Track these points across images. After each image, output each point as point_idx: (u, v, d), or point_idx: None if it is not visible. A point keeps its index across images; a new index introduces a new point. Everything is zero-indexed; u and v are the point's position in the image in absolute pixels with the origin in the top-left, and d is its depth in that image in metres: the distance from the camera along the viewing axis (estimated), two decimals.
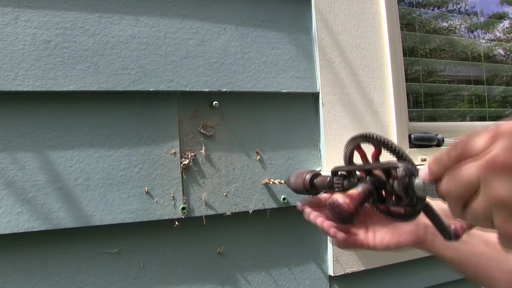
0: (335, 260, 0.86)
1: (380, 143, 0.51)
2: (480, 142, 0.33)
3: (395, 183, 0.48)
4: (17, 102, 0.68)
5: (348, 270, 0.87)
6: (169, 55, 0.77)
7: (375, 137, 0.52)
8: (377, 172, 0.53)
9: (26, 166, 0.67)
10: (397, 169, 0.47)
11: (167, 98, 0.78)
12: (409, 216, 0.52)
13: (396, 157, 0.50)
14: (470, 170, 0.33)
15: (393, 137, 0.95)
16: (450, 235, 0.49)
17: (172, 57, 0.77)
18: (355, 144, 0.57)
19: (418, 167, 0.44)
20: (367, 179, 0.53)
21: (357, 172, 0.58)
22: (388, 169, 0.50)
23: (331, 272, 0.87)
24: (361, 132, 0.55)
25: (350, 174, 0.59)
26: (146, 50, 0.75)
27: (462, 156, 0.35)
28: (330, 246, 0.87)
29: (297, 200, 0.85)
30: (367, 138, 0.54)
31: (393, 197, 0.52)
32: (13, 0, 0.68)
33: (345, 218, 0.50)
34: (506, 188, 0.30)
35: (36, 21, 0.69)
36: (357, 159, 0.60)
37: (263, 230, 0.84)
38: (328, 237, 0.88)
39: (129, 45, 0.74)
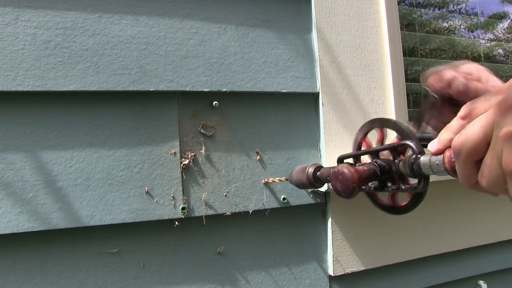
0: (335, 260, 0.86)
1: (387, 124, 0.52)
2: (489, 97, 0.33)
3: (401, 163, 0.48)
4: (17, 102, 0.68)
5: (348, 270, 0.87)
6: (169, 55, 0.77)
7: (381, 120, 0.53)
8: (384, 155, 0.54)
9: (26, 166, 0.67)
10: (406, 147, 0.48)
11: (167, 98, 0.78)
12: (411, 205, 0.53)
13: (403, 137, 0.50)
14: (483, 117, 0.32)
15: (393, 137, 0.95)
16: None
17: (172, 57, 0.77)
18: (364, 131, 0.58)
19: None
20: (373, 160, 0.54)
21: (363, 160, 0.59)
22: (396, 148, 0.50)
23: (331, 272, 0.87)
24: (369, 119, 0.56)
25: (356, 160, 0.59)
26: (146, 50, 0.75)
27: (472, 114, 0.34)
28: (330, 246, 0.87)
29: (297, 200, 0.85)
30: (374, 122, 0.55)
31: (396, 181, 0.52)
32: (13, 0, 0.68)
33: (347, 187, 0.50)
34: None
35: (36, 21, 0.69)
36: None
37: (263, 230, 0.84)
38: (329, 236, 0.88)
39: (129, 45, 0.74)
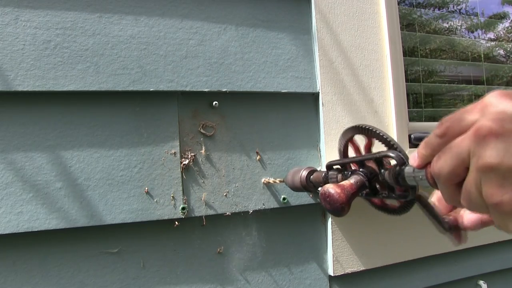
0: (335, 260, 0.86)
1: (372, 133, 0.51)
2: (467, 116, 0.32)
3: (386, 173, 0.48)
4: (17, 102, 0.68)
5: (348, 270, 0.87)
6: (169, 55, 0.77)
7: (366, 128, 0.52)
8: (370, 163, 0.53)
9: (26, 166, 0.67)
10: (388, 158, 0.47)
11: (167, 98, 0.78)
12: (402, 209, 0.52)
13: (387, 147, 0.49)
14: (459, 144, 0.32)
15: (393, 137, 0.95)
16: (446, 225, 0.49)
17: (172, 57, 0.77)
18: (348, 137, 0.58)
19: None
20: (360, 170, 0.53)
21: (352, 166, 0.58)
22: (379, 159, 0.50)
23: (331, 272, 0.87)
24: (353, 124, 0.55)
25: (344, 167, 0.59)
26: (146, 50, 0.75)
27: (449, 133, 0.34)
28: (330, 246, 0.87)
29: (297, 200, 0.85)
30: (359, 129, 0.54)
31: (386, 189, 0.52)
32: (13, 0, 0.68)
33: (336, 208, 0.49)
34: (493, 154, 0.29)
35: (36, 21, 0.69)
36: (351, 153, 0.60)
37: (263, 230, 0.84)
38: (329, 236, 0.88)
39: (129, 45, 0.74)
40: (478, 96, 1.51)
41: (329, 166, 0.61)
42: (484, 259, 1.08)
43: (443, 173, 0.34)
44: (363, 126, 0.53)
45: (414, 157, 0.40)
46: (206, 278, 0.79)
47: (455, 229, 0.47)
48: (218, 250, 0.80)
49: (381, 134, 0.50)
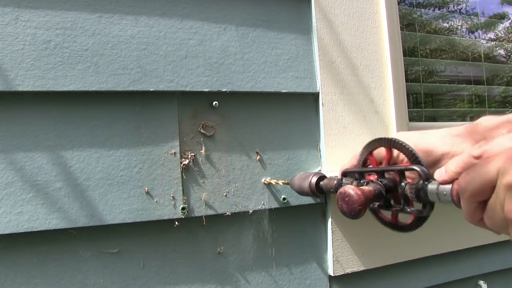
0: (335, 260, 0.86)
1: (398, 146, 0.51)
2: (504, 141, 0.34)
3: (407, 187, 0.48)
4: (17, 102, 0.68)
5: (348, 270, 0.87)
6: (169, 55, 0.77)
7: (393, 140, 0.52)
8: (390, 175, 0.53)
9: (26, 166, 0.67)
10: (412, 172, 0.47)
11: (167, 98, 0.78)
12: (413, 225, 0.52)
13: (411, 161, 0.50)
14: (490, 163, 0.33)
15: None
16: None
17: (172, 57, 0.77)
18: (371, 148, 0.58)
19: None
20: (379, 180, 0.53)
21: (368, 177, 0.58)
22: (402, 171, 0.50)
23: (331, 272, 0.87)
24: (382, 136, 0.56)
25: (360, 177, 0.59)
26: (146, 50, 0.75)
27: (484, 155, 0.35)
28: (330, 246, 0.87)
29: (297, 200, 0.85)
30: (385, 141, 0.54)
31: (401, 203, 0.52)
32: (13, 0, 0.68)
33: (353, 209, 0.49)
34: None
35: (36, 21, 0.69)
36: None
37: (263, 230, 0.84)
38: (329, 236, 0.88)
39: (129, 45, 0.74)
40: (478, 96, 1.51)
41: (345, 173, 0.61)
42: (484, 259, 1.08)
43: (469, 189, 0.35)
44: (391, 139, 0.53)
45: (441, 172, 0.41)
46: (206, 278, 0.79)
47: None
48: (218, 250, 0.80)
49: (407, 147, 0.50)
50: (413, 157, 0.49)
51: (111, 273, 0.73)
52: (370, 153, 0.58)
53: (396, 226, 0.56)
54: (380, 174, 0.54)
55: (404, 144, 0.50)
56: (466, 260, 1.05)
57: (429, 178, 0.45)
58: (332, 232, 0.87)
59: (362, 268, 0.89)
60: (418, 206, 0.50)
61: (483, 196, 0.34)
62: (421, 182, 0.46)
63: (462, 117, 1.45)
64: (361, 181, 0.57)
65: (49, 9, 0.70)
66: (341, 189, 0.51)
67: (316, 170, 0.88)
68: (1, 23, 0.67)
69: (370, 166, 0.60)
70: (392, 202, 0.54)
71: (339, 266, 0.87)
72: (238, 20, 0.83)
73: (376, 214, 0.59)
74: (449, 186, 0.40)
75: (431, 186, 0.44)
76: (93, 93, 0.72)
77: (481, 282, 1.07)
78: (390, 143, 0.53)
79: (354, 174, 0.60)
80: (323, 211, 0.89)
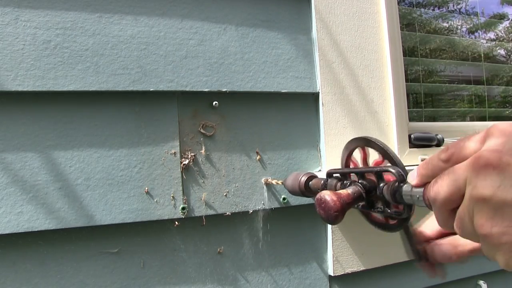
0: (335, 260, 0.86)
1: (375, 146, 0.51)
2: (471, 144, 0.33)
3: (385, 188, 0.48)
4: (17, 102, 0.68)
5: (348, 270, 0.87)
6: (169, 55, 0.77)
7: (371, 140, 0.52)
8: (370, 176, 0.53)
9: (26, 166, 0.67)
10: (389, 173, 0.47)
11: (167, 98, 0.78)
12: (396, 226, 0.52)
13: (389, 162, 0.49)
14: (456, 171, 0.33)
15: (393, 137, 0.95)
16: (416, 255, 0.49)
17: (172, 57, 0.77)
18: (352, 148, 0.57)
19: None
20: (359, 182, 0.53)
21: (351, 176, 0.58)
22: (379, 173, 0.50)
23: (331, 272, 0.87)
24: (361, 135, 0.55)
25: (344, 177, 0.58)
26: (146, 50, 0.75)
27: (452, 159, 0.34)
28: (330, 246, 0.87)
29: (297, 200, 0.85)
30: (364, 141, 0.54)
31: (383, 204, 0.52)
32: (13, 0, 0.68)
33: (330, 216, 0.49)
34: (487, 185, 0.29)
35: (36, 21, 0.69)
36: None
37: (263, 230, 0.84)
38: (329, 236, 0.88)
39: (129, 45, 0.74)
40: (477, 96, 1.51)
41: (330, 174, 0.61)
42: (484, 259, 1.07)
43: (438, 198, 0.34)
44: (368, 138, 0.52)
45: (413, 175, 0.40)
46: (206, 278, 0.79)
47: (425, 259, 0.48)
48: (218, 250, 0.80)
49: (382, 147, 0.49)
50: (388, 157, 0.49)
51: (111, 273, 0.73)
52: (350, 153, 0.58)
53: (383, 225, 0.56)
54: (360, 175, 0.54)
55: (379, 143, 0.50)
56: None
57: (403, 180, 0.44)
58: (332, 232, 0.87)
59: (362, 268, 0.89)
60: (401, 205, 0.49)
61: (453, 205, 0.34)
62: (396, 184, 0.45)
63: (462, 117, 1.45)
64: (345, 182, 0.57)
65: (49, 9, 0.70)
66: (318, 196, 0.51)
67: (316, 170, 0.88)
68: (1, 23, 0.67)
69: (352, 166, 0.60)
70: (375, 203, 0.53)
71: (339, 266, 0.87)
72: (238, 20, 0.83)
73: (365, 215, 0.59)
74: (421, 190, 0.39)
75: (406, 189, 0.42)
76: (93, 93, 0.72)
77: (481, 282, 1.07)
78: (365, 143, 0.53)
79: (337, 175, 0.60)
80: None
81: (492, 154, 0.30)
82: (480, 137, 0.32)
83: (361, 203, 0.54)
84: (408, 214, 0.48)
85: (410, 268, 0.96)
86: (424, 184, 0.39)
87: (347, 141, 0.59)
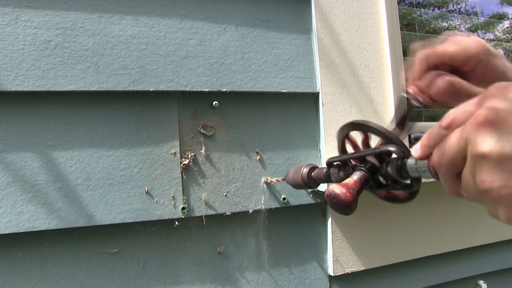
0: (335, 260, 0.86)
1: (369, 129, 0.51)
2: (469, 107, 0.33)
3: (389, 167, 0.48)
4: (17, 102, 0.68)
5: (348, 270, 0.87)
6: (169, 55, 0.77)
7: (361, 124, 0.52)
8: (370, 158, 0.53)
9: (26, 166, 0.67)
10: (390, 153, 0.47)
11: (167, 98, 0.78)
12: (408, 198, 0.52)
13: (385, 141, 0.49)
14: (457, 135, 0.33)
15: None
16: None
17: (172, 57, 0.77)
18: (343, 134, 0.57)
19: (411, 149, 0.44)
20: (362, 166, 0.53)
21: (352, 161, 0.58)
22: (380, 154, 0.50)
23: (331, 272, 0.87)
24: (349, 121, 0.55)
25: (344, 164, 0.58)
26: (146, 50, 0.75)
27: (453, 125, 0.34)
28: (330, 246, 0.87)
29: (297, 200, 0.85)
30: (354, 125, 0.54)
31: (390, 181, 0.52)
32: (13, 0, 0.68)
33: (343, 208, 0.49)
34: (486, 141, 0.30)
35: (36, 21, 0.69)
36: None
37: (263, 230, 0.84)
38: (329, 236, 0.88)
39: (129, 45, 0.74)
40: None
41: (330, 163, 0.61)
42: (484, 259, 1.08)
43: (443, 163, 0.35)
44: (358, 122, 0.52)
45: (416, 148, 0.40)
46: (206, 278, 0.79)
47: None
48: (218, 250, 0.80)
49: (377, 128, 0.49)
50: (385, 138, 0.49)
51: (111, 273, 0.73)
52: (344, 138, 0.58)
53: (393, 199, 0.56)
54: (360, 159, 0.54)
55: (372, 125, 0.50)
56: (466, 260, 1.05)
57: (406, 155, 0.45)
58: (332, 232, 0.87)
59: (362, 268, 0.89)
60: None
61: (457, 169, 0.34)
62: (399, 161, 0.45)
63: None
64: (346, 168, 0.57)
65: (49, 9, 0.70)
66: (327, 191, 0.51)
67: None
68: (1, 23, 0.67)
69: (351, 150, 0.60)
70: (382, 180, 0.53)
71: (339, 266, 0.87)
72: (238, 20, 0.83)
73: (373, 192, 0.59)
74: (426, 162, 0.40)
75: (410, 163, 0.43)
76: (93, 93, 0.72)
77: (481, 282, 1.07)
78: (360, 127, 0.53)
79: (338, 163, 0.60)
80: (323, 211, 0.89)
81: (489, 111, 0.30)
82: (479, 99, 0.33)
83: (369, 185, 0.54)
84: (417, 187, 0.48)
85: (410, 268, 0.97)
86: (427, 155, 0.39)
87: (338, 128, 0.59)
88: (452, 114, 0.35)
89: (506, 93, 0.31)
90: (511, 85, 0.31)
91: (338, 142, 0.60)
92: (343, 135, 0.58)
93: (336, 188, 0.50)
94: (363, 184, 0.51)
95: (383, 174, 0.50)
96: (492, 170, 0.30)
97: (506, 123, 0.29)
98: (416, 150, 0.40)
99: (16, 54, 0.67)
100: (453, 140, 0.33)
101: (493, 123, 0.30)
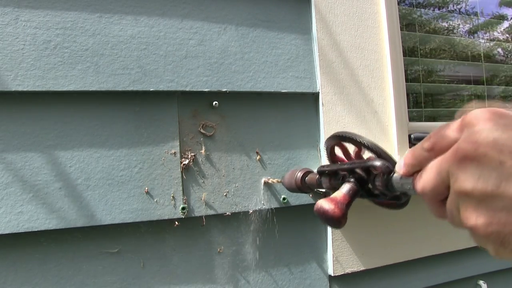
0: (335, 260, 0.86)
1: (357, 143, 0.51)
2: (450, 133, 0.33)
3: (377, 181, 0.48)
4: (17, 102, 0.68)
5: (348, 270, 0.87)
6: (169, 55, 0.77)
7: (350, 137, 0.52)
8: (359, 170, 0.53)
9: (26, 166, 0.67)
10: (375, 168, 0.47)
11: (167, 98, 0.78)
12: (401, 205, 0.52)
13: (375, 155, 0.49)
14: (439, 163, 0.33)
15: (393, 137, 0.95)
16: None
17: (172, 57, 0.77)
18: (331, 144, 0.58)
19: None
20: (351, 177, 0.53)
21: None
22: (365, 168, 0.50)
23: (331, 272, 0.87)
24: (338, 132, 0.55)
25: (335, 173, 0.59)
26: (146, 50, 0.75)
27: (435, 148, 0.34)
28: (330, 246, 0.87)
29: (297, 200, 0.85)
30: (343, 138, 0.54)
31: (379, 193, 0.52)
32: (13, 0, 0.68)
33: (333, 223, 0.50)
34: (468, 179, 0.29)
35: (36, 21, 0.69)
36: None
37: (263, 230, 0.84)
38: (329, 236, 0.88)
39: (129, 45, 0.74)
40: (477, 96, 1.51)
41: (321, 172, 0.61)
42: (484, 259, 1.08)
43: (426, 191, 0.35)
44: (348, 136, 0.52)
45: (399, 165, 0.40)
46: (206, 278, 0.79)
47: None
48: (218, 250, 0.80)
49: (364, 142, 0.49)
50: (372, 151, 0.49)
51: (111, 273, 0.73)
52: (332, 148, 0.59)
53: (387, 206, 0.56)
54: (350, 171, 0.54)
55: (357, 139, 0.50)
56: (466, 260, 1.05)
57: (391, 170, 0.45)
58: (332, 232, 0.87)
59: (362, 268, 0.89)
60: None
61: (441, 196, 0.34)
62: (385, 176, 0.45)
63: None
64: (336, 177, 0.57)
65: (49, 9, 0.70)
66: (316, 207, 0.51)
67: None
68: (1, 23, 0.67)
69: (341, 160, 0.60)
70: (373, 190, 0.53)
71: (339, 266, 0.87)
72: (238, 20, 0.83)
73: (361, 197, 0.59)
74: (411, 180, 0.39)
75: (395, 179, 0.43)
76: (93, 93, 0.72)
77: (481, 282, 1.07)
78: (346, 140, 0.53)
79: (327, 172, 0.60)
80: None
81: (468, 146, 0.30)
82: (458, 126, 0.32)
83: (359, 195, 0.54)
84: (406, 199, 0.48)
85: (410, 268, 0.97)
86: (411, 174, 0.39)
87: (328, 137, 0.60)
88: (433, 137, 0.35)
89: (484, 123, 0.30)
90: (488, 112, 0.30)
91: (326, 151, 0.60)
92: (330, 145, 0.58)
93: (325, 204, 0.50)
94: (352, 197, 0.51)
95: (371, 188, 0.50)
96: (476, 207, 0.29)
97: (486, 158, 0.28)
98: (400, 167, 0.40)
99: (16, 54, 0.67)
100: (435, 171, 0.33)
101: (473, 159, 0.29)
